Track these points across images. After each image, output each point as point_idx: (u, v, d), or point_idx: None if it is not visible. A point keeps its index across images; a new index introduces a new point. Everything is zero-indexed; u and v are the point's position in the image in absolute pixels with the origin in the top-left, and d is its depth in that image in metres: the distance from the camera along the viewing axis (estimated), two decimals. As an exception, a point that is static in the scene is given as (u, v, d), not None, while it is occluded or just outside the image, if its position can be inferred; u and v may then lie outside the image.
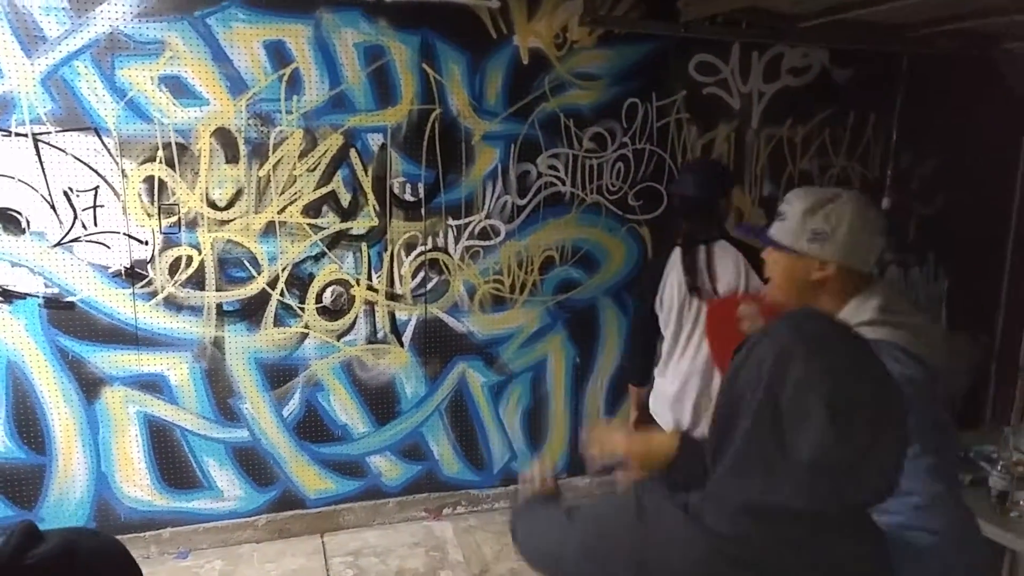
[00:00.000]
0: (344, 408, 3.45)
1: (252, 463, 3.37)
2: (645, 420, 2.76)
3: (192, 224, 3.09)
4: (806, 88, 3.83)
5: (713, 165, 2.98)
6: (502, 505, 3.75)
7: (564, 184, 3.55)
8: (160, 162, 2.99)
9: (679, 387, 2.54)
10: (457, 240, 3.45)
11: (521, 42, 3.36)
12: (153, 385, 3.17)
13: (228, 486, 3.35)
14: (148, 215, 3.03)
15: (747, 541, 0.94)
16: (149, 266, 3.07)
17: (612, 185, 3.62)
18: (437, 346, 3.53)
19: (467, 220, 3.45)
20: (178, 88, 2.98)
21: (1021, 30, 3.44)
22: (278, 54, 3.08)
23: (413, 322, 3.47)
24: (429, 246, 3.42)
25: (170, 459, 3.25)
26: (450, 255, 3.46)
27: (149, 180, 3.00)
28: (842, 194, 1.46)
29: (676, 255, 2.57)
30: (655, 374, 2.72)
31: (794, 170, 3.87)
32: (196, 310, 3.16)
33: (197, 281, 3.14)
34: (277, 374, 3.33)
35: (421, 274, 3.44)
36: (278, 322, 3.29)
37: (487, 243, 3.50)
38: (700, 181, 2.55)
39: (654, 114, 3.61)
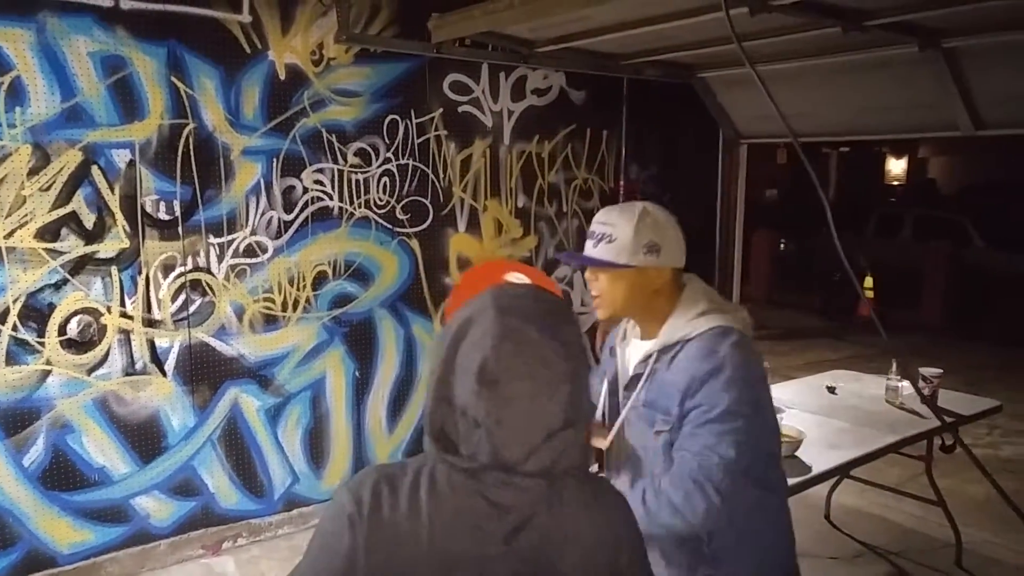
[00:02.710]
0: (101, 449, 3.14)
1: (-18, 526, 2.93)
2: None
3: None
4: (549, 107, 4.23)
5: None
6: (286, 531, 3.63)
7: (332, 199, 3.57)
8: None
9: None
10: (221, 259, 3.32)
11: (277, 57, 3.34)
12: None
13: (-52, 560, 2.88)
14: None
15: None
16: None
17: (379, 199, 3.71)
18: (205, 372, 3.34)
19: (231, 237, 3.33)
20: None
21: (709, 61, 4.12)
22: (-7, 60, 2.77)
23: (176, 348, 3.26)
24: (190, 266, 3.25)
25: None
26: (213, 275, 3.31)
27: None
28: (642, 205, 1.56)
29: None
30: None
31: (544, 183, 4.24)
32: None
33: None
34: (14, 419, 2.94)
35: (182, 296, 3.25)
36: (11, 360, 2.91)
37: (254, 260, 3.40)
38: None
39: (414, 130, 3.76)
